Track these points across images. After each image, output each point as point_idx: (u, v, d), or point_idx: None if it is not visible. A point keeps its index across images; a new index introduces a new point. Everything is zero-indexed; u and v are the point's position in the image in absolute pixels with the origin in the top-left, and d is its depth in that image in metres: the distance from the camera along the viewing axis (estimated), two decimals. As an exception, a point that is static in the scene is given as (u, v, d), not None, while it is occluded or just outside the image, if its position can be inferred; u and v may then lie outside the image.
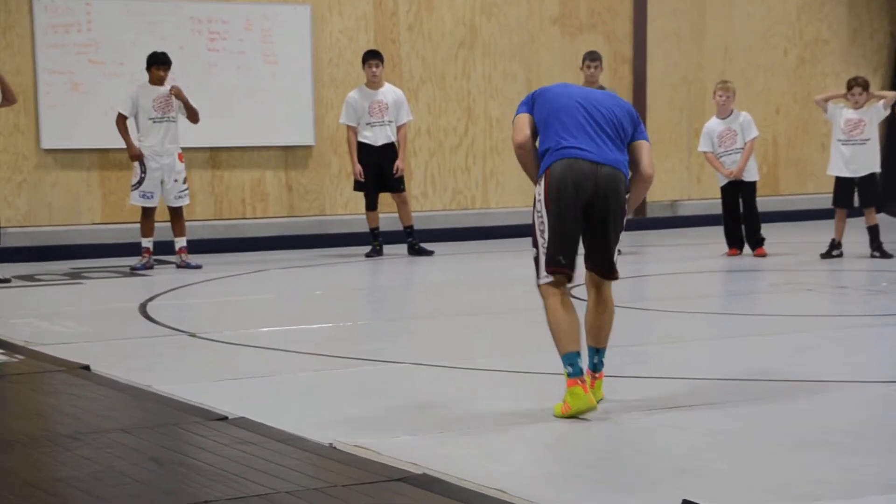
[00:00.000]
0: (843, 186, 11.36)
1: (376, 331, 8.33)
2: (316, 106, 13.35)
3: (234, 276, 11.03)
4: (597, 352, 5.68)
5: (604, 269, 5.68)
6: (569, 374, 5.42)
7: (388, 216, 12.52)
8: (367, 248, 12.34)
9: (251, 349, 7.28)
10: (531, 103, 5.75)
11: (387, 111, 12.14)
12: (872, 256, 11.22)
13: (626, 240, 12.51)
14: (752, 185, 11.69)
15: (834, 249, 11.32)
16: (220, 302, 9.62)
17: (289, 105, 13.21)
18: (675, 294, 9.70)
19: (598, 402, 5.50)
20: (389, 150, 12.19)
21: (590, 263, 5.69)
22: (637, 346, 7.32)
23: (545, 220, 5.50)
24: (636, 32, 14.63)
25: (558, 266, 5.49)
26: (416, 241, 12.39)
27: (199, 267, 11.34)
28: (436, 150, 13.90)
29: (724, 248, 11.83)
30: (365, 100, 12.13)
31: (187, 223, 11.74)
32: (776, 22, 15.32)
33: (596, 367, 5.67)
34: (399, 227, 12.44)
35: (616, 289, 10.49)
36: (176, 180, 11.39)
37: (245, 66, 13.05)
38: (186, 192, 11.54)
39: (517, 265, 11.76)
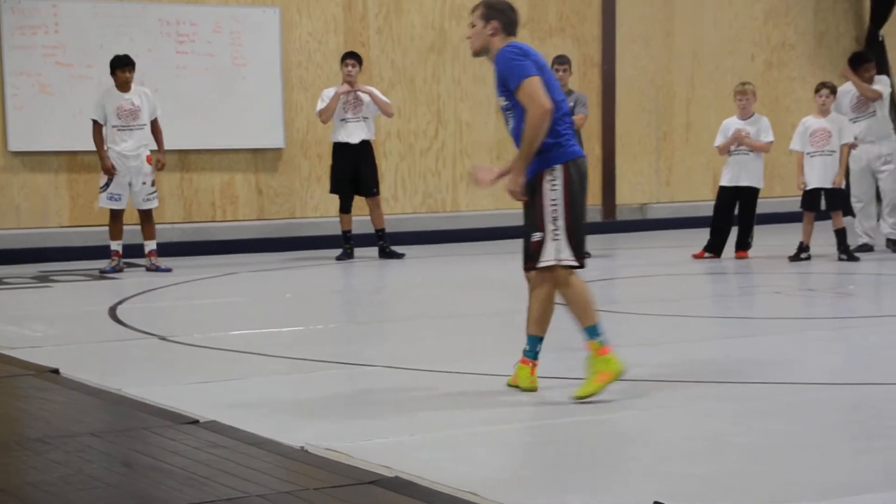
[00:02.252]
0: (811, 191, 11.45)
1: (347, 334, 8.32)
2: (286, 108, 13.33)
3: (205, 279, 11.00)
4: (540, 340, 6.06)
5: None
6: (602, 343, 5.83)
7: (358, 219, 12.51)
8: (338, 251, 12.33)
9: (222, 352, 7.25)
10: (531, 64, 5.77)
11: (361, 106, 12.13)
12: (840, 259, 11.30)
13: (595, 242, 12.61)
14: (755, 191, 11.70)
15: (802, 252, 11.39)
16: (190, 305, 9.58)
17: (258, 108, 13.18)
18: (645, 297, 9.74)
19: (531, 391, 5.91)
20: (366, 150, 12.18)
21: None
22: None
23: (561, 209, 5.78)
24: (605, 36, 14.68)
25: (583, 258, 5.90)
26: (387, 244, 12.38)
27: (168, 270, 11.29)
28: (406, 153, 13.90)
29: (694, 249, 11.87)
30: (343, 97, 12.09)
31: (157, 226, 11.69)
32: (743, 26, 15.42)
33: (537, 356, 6.04)
34: (369, 229, 12.43)
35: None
36: (144, 183, 11.33)
37: (214, 69, 13.02)
38: (154, 194, 11.47)
39: (488, 268, 11.78)
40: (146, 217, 11.45)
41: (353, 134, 12.11)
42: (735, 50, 15.36)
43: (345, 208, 12.26)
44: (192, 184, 13.09)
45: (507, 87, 5.81)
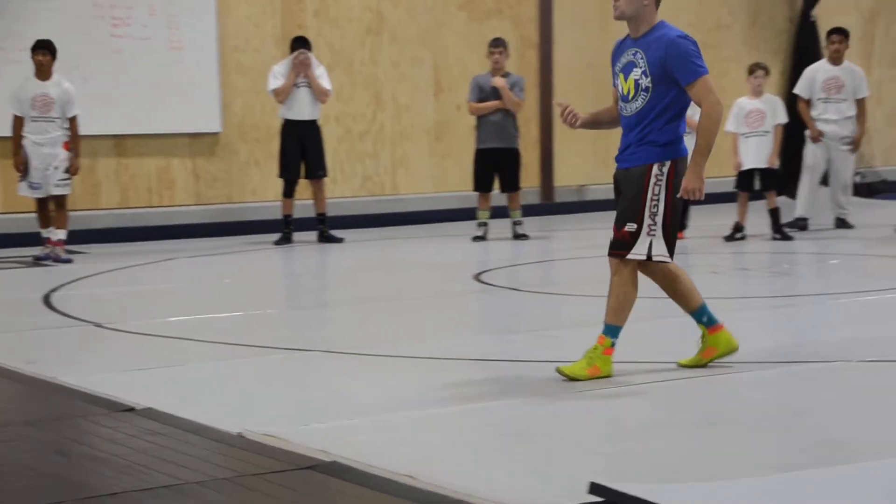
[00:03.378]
0: (746, 171, 11.57)
1: (286, 319, 8.30)
2: (223, 93, 13.24)
3: (141, 265, 10.91)
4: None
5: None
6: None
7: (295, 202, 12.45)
8: (277, 236, 12.28)
9: (159, 339, 7.20)
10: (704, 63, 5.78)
11: (308, 90, 12.08)
12: (774, 239, 11.44)
13: (534, 224, 12.65)
14: None
15: (737, 232, 11.51)
16: (126, 291, 9.50)
17: (195, 92, 13.07)
18: (584, 278, 9.79)
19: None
20: (314, 130, 12.15)
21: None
22: (547, 330, 7.39)
23: (662, 205, 5.75)
24: (542, 17, 14.72)
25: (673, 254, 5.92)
26: (327, 228, 12.35)
27: (68, 261, 10.98)
28: (344, 137, 13.86)
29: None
30: (291, 75, 12.05)
31: (93, 212, 11.54)
32: (678, 7, 15.46)
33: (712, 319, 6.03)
34: (306, 213, 12.39)
35: (525, 273, 10.60)
36: (56, 167, 11.06)
37: (150, 53, 12.89)
38: (67, 181, 11.10)
39: (428, 250, 11.79)
40: (58, 204, 11.13)
41: (304, 109, 12.05)
42: (671, 31, 15.44)
43: (288, 192, 12.21)
44: (129, 169, 12.97)
45: (671, 74, 5.70)
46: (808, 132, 12.11)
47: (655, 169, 5.74)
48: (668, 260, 5.89)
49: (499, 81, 11.80)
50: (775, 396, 5.60)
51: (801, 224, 12.09)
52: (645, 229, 5.78)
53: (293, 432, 4.85)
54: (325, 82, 12.20)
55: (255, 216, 13.24)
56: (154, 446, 4.70)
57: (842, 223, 12.13)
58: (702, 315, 6.00)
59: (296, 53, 12.04)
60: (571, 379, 5.74)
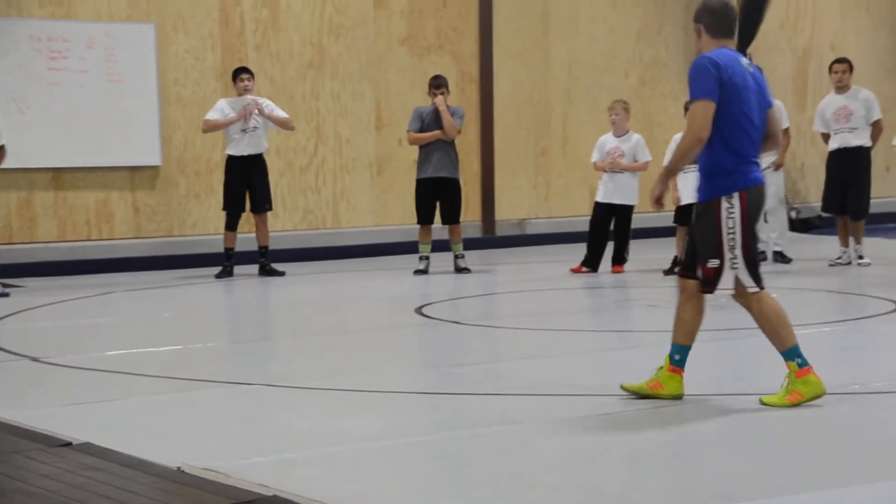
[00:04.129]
0: (685, 206, 11.67)
1: (226, 352, 8.24)
2: (162, 126, 13.17)
3: (80, 298, 10.79)
4: (684, 349, 6.09)
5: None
6: (800, 365, 5.82)
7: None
8: (217, 269, 12.20)
9: (97, 373, 7.12)
10: (718, 82, 5.67)
11: (257, 120, 12.04)
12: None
13: (475, 258, 12.68)
14: (629, 208, 11.91)
15: (676, 266, 11.60)
16: (64, 325, 9.39)
17: (135, 125, 13.00)
18: (525, 311, 9.83)
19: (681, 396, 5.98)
20: (259, 164, 12.10)
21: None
22: (489, 363, 7.40)
23: (738, 237, 5.78)
24: (482, 52, 14.82)
25: (761, 280, 5.87)
26: (268, 261, 12.30)
27: (5, 295, 10.73)
28: (286, 170, 13.84)
29: (572, 264, 12.01)
30: (237, 108, 12.02)
31: (30, 245, 11.41)
32: (617, 43, 15.68)
33: (682, 364, 6.06)
34: (247, 247, 12.33)
35: (467, 307, 10.60)
36: None
37: (88, 86, 12.80)
38: None
39: (369, 284, 11.77)
40: None
41: (246, 146, 12.02)
42: (610, 66, 15.61)
43: (231, 226, 12.16)
44: (67, 202, 12.85)
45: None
46: None
47: (724, 202, 5.78)
48: (756, 289, 5.86)
49: (439, 101, 11.84)
50: (718, 428, 5.63)
51: (762, 257, 12.23)
52: (727, 264, 5.82)
53: (233, 466, 4.81)
54: (279, 112, 12.21)
55: (195, 250, 13.16)
56: (91, 481, 4.64)
57: (781, 257, 12.25)
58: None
59: (246, 101, 11.96)
60: (773, 406, 5.77)
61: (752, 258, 5.86)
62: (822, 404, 5.84)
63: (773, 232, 12.34)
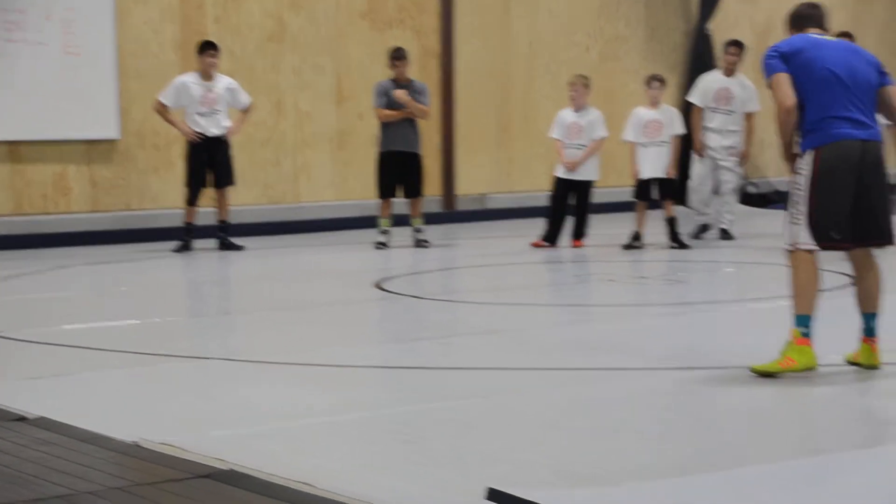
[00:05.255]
0: (644, 181, 11.73)
1: (185, 327, 8.21)
2: (121, 99, 13.05)
3: (36, 272, 10.70)
4: (873, 316, 6.01)
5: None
6: (803, 334, 5.83)
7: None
8: (176, 244, 12.14)
9: (53, 347, 7.07)
10: (785, 60, 5.92)
11: (218, 101, 11.99)
12: (671, 247, 11.60)
13: (435, 232, 12.69)
14: (589, 183, 11.94)
15: (635, 241, 11.66)
16: (21, 299, 9.31)
17: (92, 98, 12.87)
18: (485, 286, 9.85)
19: (876, 366, 5.95)
20: (220, 141, 12.05)
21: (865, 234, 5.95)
22: (449, 337, 7.41)
23: (805, 195, 5.83)
24: (443, 27, 14.77)
25: (832, 241, 5.85)
26: (228, 236, 12.25)
27: None
28: (245, 144, 13.74)
29: (533, 239, 12.04)
30: (197, 89, 11.94)
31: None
32: (578, 19, 15.68)
33: (871, 332, 5.99)
34: (206, 221, 12.27)
35: (427, 281, 10.59)
36: None
37: (45, 58, 12.65)
38: None
39: (329, 258, 11.76)
40: None
41: (209, 128, 11.98)
42: (570, 42, 15.61)
43: (192, 200, 12.09)
44: (24, 176, 12.72)
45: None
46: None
47: (799, 160, 5.91)
48: (812, 247, 5.89)
49: (401, 95, 11.82)
50: (674, 401, 5.68)
51: (704, 231, 12.29)
52: (791, 218, 5.93)
53: (191, 441, 4.79)
54: (243, 98, 12.16)
55: (153, 224, 13.07)
56: (46, 456, 4.61)
57: (725, 234, 12.28)
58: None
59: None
60: (764, 373, 5.81)
61: (821, 217, 5.81)
62: (771, 379, 5.89)
63: (729, 214, 12.38)
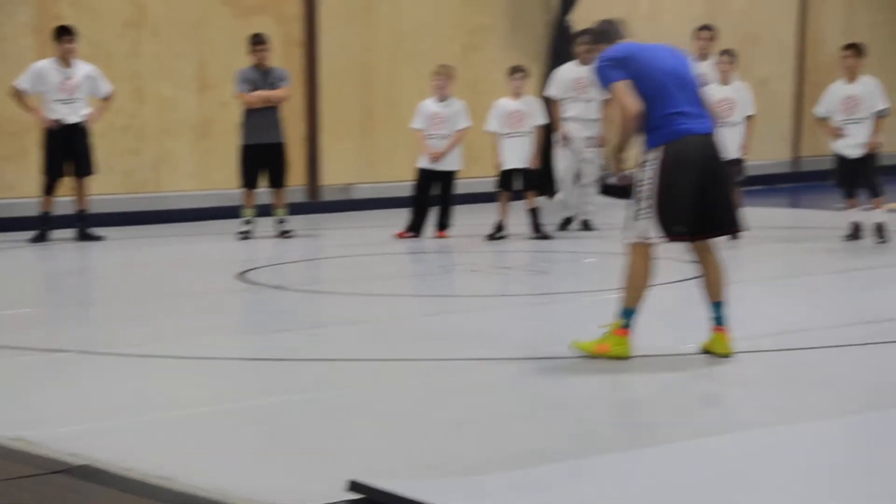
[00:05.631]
0: (508, 171, 11.83)
1: (41, 319, 8.02)
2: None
3: None
4: (719, 306, 6.18)
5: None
6: (623, 326, 6.07)
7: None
8: (32, 234, 11.84)
9: None
10: (622, 66, 6.07)
11: (77, 89, 11.74)
12: (533, 238, 11.74)
13: (300, 222, 12.63)
14: (452, 174, 11.98)
15: (498, 231, 11.77)
16: None
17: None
18: (350, 276, 9.84)
19: (728, 355, 6.11)
20: (80, 128, 11.79)
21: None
22: (312, 328, 7.39)
23: (655, 188, 5.99)
24: (307, 14, 14.68)
25: (677, 234, 6.06)
26: (87, 225, 12.00)
27: None
28: (105, 132, 13.47)
29: (397, 229, 12.06)
30: (55, 75, 11.65)
31: None
32: (442, 8, 15.73)
33: (720, 321, 6.15)
34: (64, 210, 12.00)
35: (290, 272, 10.53)
36: None
37: None
38: None
39: (191, 249, 11.61)
40: None
41: (68, 116, 11.72)
42: (434, 32, 15.66)
43: (49, 190, 11.82)
44: None
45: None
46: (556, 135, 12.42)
47: (647, 156, 6.06)
48: (659, 241, 6.07)
49: (258, 96, 11.83)
50: (534, 390, 5.76)
51: (567, 223, 12.42)
52: (642, 213, 6.06)
53: (45, 436, 4.70)
54: (103, 86, 11.94)
55: (8, 213, 12.73)
56: None
57: (586, 225, 12.45)
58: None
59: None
60: (582, 351, 6.05)
61: (669, 211, 6.00)
62: (632, 367, 6.01)
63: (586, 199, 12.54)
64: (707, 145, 6.10)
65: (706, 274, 6.23)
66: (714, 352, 6.18)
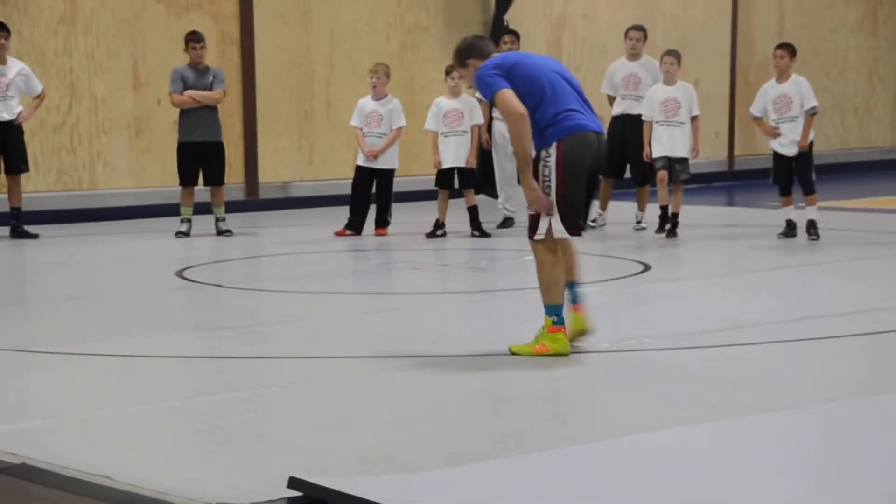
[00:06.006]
0: (446, 170, 11.85)
1: (-26, 318, 7.90)
2: None
3: None
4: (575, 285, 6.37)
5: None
6: (554, 322, 6.14)
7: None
8: (-36, 232, 11.69)
9: None
10: (506, 75, 6.12)
11: (9, 87, 11.62)
12: (473, 235, 11.76)
13: (238, 221, 12.56)
14: (390, 172, 11.97)
15: (438, 229, 11.78)
16: None
17: None
18: (289, 274, 9.80)
19: (587, 330, 6.32)
20: (13, 128, 11.68)
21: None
22: (251, 326, 7.36)
23: (553, 185, 6.11)
24: (242, 12, 14.59)
25: (579, 228, 6.23)
26: (21, 223, 11.86)
27: None
28: (38, 129, 13.31)
29: (336, 227, 12.04)
30: None
31: None
32: (378, 7, 15.71)
33: (578, 299, 6.34)
34: (0, 208, 11.86)
35: (229, 270, 10.46)
36: None
37: None
38: None
39: (128, 247, 11.50)
40: None
41: (1, 113, 11.60)
42: (371, 30, 15.64)
43: (-20, 187, 11.70)
44: None
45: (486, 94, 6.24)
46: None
47: (542, 153, 6.13)
48: (565, 235, 6.18)
49: (191, 96, 11.75)
50: (478, 386, 5.77)
51: (508, 224, 12.43)
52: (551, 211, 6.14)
53: (-20, 436, 4.64)
54: (36, 84, 11.85)
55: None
56: None
57: (506, 222, 12.48)
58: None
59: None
60: (518, 354, 6.12)
61: (570, 207, 6.13)
62: (575, 362, 6.06)
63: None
64: (599, 143, 6.29)
65: (563, 257, 6.33)
66: (575, 329, 6.32)
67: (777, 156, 11.18)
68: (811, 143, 11.14)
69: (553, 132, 6.13)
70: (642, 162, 11.94)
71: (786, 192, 11.18)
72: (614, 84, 12.41)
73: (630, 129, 12.13)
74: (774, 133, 11.13)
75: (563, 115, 6.14)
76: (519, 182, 12.33)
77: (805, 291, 8.78)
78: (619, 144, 12.04)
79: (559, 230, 6.16)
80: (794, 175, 11.13)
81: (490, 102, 6.30)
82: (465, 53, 6.44)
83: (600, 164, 6.35)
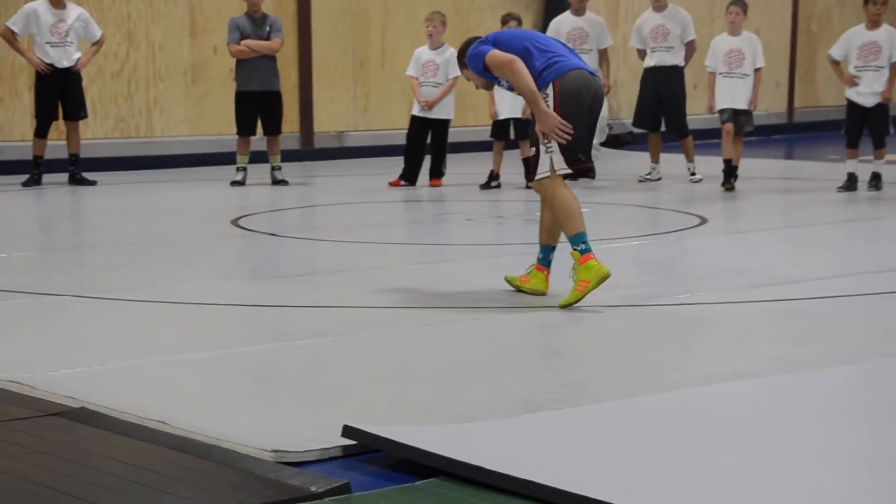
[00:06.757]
0: (502, 121, 11.79)
1: (34, 262, 8.01)
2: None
3: None
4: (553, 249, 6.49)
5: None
6: (582, 252, 6.12)
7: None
8: (25, 177, 11.81)
9: None
10: (491, 44, 6.29)
11: (69, 33, 11.69)
12: (527, 187, 11.71)
13: (293, 170, 12.60)
14: (445, 122, 11.94)
15: (492, 180, 11.75)
16: None
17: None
18: (344, 224, 9.82)
19: (544, 293, 6.42)
20: (72, 74, 11.75)
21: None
22: (306, 275, 7.39)
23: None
24: (301, -39, 14.57)
25: (579, 162, 6.21)
26: (79, 170, 11.96)
27: None
28: (96, 76, 13.40)
29: (391, 177, 12.04)
30: (48, 17, 11.59)
31: None
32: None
33: (548, 263, 6.48)
34: (56, 155, 11.96)
35: (284, 219, 10.54)
36: None
37: None
38: None
39: (185, 195, 11.58)
40: None
41: (61, 58, 11.66)
42: (429, -21, 15.54)
43: (42, 133, 11.78)
44: None
45: (488, 73, 6.29)
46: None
47: (541, 94, 6.15)
48: (568, 171, 6.20)
49: (249, 45, 11.73)
50: (527, 339, 5.77)
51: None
52: (543, 149, 6.21)
53: (40, 378, 4.71)
54: (95, 30, 11.90)
55: (0, 157, 12.68)
56: None
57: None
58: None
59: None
60: (571, 304, 6.10)
61: (570, 143, 6.13)
62: (629, 315, 6.03)
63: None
64: (593, 82, 6.30)
65: (547, 214, 6.39)
66: (538, 288, 6.43)
67: (851, 105, 10.93)
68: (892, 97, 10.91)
69: (549, 73, 6.20)
70: (678, 114, 11.85)
71: (853, 145, 10.96)
72: (643, 37, 12.32)
73: (663, 80, 12.04)
74: (852, 81, 10.89)
75: (555, 59, 6.23)
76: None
77: (866, 245, 8.68)
78: (652, 97, 11.96)
79: (561, 167, 6.19)
80: (865, 126, 10.91)
81: (489, 77, 6.34)
82: (463, 55, 6.52)
83: (599, 103, 6.36)
